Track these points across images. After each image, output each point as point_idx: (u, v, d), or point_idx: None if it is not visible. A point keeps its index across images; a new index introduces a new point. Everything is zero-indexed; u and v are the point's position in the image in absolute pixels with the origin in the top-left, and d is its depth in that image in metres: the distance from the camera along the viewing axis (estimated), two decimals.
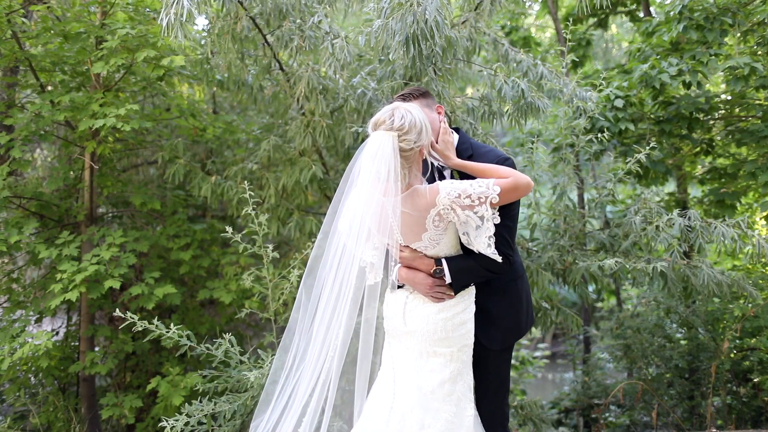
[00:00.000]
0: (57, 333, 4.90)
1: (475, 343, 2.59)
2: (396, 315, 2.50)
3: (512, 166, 2.50)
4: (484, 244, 2.34)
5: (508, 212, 2.50)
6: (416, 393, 2.41)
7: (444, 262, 2.45)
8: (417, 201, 2.33)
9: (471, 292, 2.51)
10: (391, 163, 2.27)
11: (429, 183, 2.49)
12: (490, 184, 2.29)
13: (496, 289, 2.63)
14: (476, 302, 2.60)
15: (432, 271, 2.47)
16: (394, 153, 2.27)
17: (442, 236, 2.39)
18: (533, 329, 4.62)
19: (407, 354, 2.47)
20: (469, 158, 2.57)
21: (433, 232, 2.37)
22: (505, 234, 2.49)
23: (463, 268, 2.47)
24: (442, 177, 2.66)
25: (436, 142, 2.59)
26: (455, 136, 2.67)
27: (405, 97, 2.62)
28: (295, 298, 2.72)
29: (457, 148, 2.61)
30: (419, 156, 2.38)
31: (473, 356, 2.62)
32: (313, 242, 2.91)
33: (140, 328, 3.17)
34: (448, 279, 2.47)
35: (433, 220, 2.33)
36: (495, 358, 2.67)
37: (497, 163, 2.48)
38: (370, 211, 2.36)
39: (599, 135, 4.29)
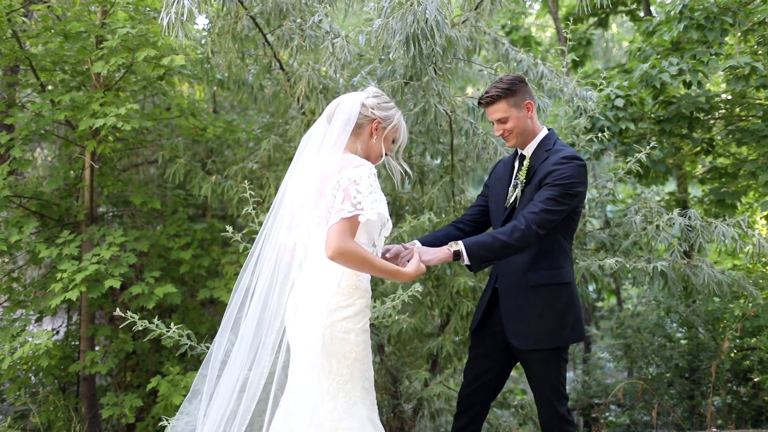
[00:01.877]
0: (57, 332, 4.90)
1: (508, 342, 2.66)
2: (289, 316, 2.30)
3: (579, 167, 2.52)
4: (319, 236, 2.20)
5: (563, 189, 2.47)
6: (303, 405, 2.22)
7: (461, 243, 2.44)
8: (338, 161, 2.20)
9: (358, 300, 2.24)
10: (349, 108, 2.27)
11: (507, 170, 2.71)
12: (373, 209, 2.11)
13: (534, 288, 2.59)
14: (510, 297, 2.61)
15: (451, 251, 2.45)
16: (359, 106, 2.29)
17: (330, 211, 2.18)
18: None
19: (297, 362, 2.27)
20: (548, 151, 2.61)
21: (329, 201, 2.17)
22: (540, 203, 2.47)
23: (481, 244, 2.44)
24: (521, 163, 2.71)
25: (519, 140, 2.66)
26: (542, 132, 2.69)
27: (492, 99, 2.61)
28: None
29: (540, 142, 2.67)
30: (368, 131, 2.32)
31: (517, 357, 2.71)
32: None
33: (140, 328, 3.17)
34: (465, 260, 2.43)
35: (333, 187, 2.16)
36: (531, 359, 2.64)
37: (558, 160, 2.53)
38: (305, 175, 2.27)
39: (599, 134, 4.29)
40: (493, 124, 2.68)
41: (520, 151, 2.74)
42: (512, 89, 2.59)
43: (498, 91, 2.60)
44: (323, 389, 2.19)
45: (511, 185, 2.68)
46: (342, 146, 2.27)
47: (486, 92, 2.63)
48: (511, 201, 2.66)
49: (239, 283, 2.42)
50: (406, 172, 2.53)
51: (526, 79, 3.84)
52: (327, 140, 2.27)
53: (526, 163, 2.65)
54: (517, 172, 2.70)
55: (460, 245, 2.45)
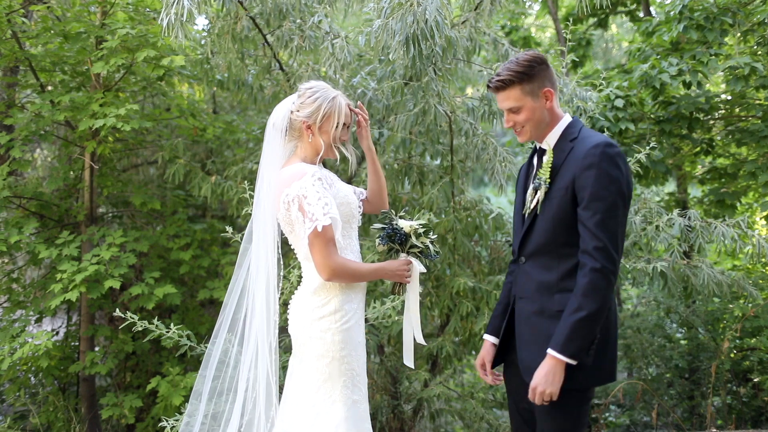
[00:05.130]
0: (57, 333, 4.90)
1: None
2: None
3: (611, 156, 2.01)
4: (302, 251, 2.32)
5: (608, 199, 1.98)
6: (293, 395, 2.34)
7: (550, 350, 2.01)
8: (285, 174, 2.30)
9: (333, 299, 2.27)
10: (279, 121, 2.35)
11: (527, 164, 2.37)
12: (326, 214, 2.17)
13: (558, 313, 2.07)
14: (528, 323, 2.16)
15: (555, 362, 2.01)
16: (286, 113, 2.35)
17: (293, 224, 2.29)
18: None
19: (293, 354, 2.41)
20: (572, 141, 2.13)
21: (284, 214, 2.29)
22: (591, 227, 1.98)
23: (566, 338, 1.99)
24: (540, 159, 2.27)
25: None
26: (564, 120, 2.20)
27: (503, 84, 2.14)
28: None
29: (563, 132, 2.18)
30: (304, 134, 2.34)
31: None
32: None
33: (140, 328, 3.17)
34: (572, 361, 2.00)
35: (283, 200, 2.27)
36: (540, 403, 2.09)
37: (593, 146, 2.04)
38: (266, 182, 2.39)
39: None
40: (504, 113, 2.22)
41: (538, 146, 2.27)
42: (529, 73, 2.11)
43: (511, 74, 2.11)
44: (307, 383, 2.29)
45: (530, 188, 2.19)
46: (281, 156, 2.38)
47: (497, 74, 2.15)
48: (531, 207, 2.16)
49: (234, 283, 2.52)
50: (350, 156, 2.48)
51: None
52: (276, 151, 2.39)
53: (547, 158, 2.15)
54: (537, 170, 2.22)
55: (552, 353, 2.02)
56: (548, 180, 2.13)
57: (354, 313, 2.31)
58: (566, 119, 2.21)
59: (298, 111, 2.34)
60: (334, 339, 2.26)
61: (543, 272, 2.13)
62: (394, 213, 2.48)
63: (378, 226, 2.45)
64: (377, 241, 2.46)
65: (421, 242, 2.39)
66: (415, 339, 2.50)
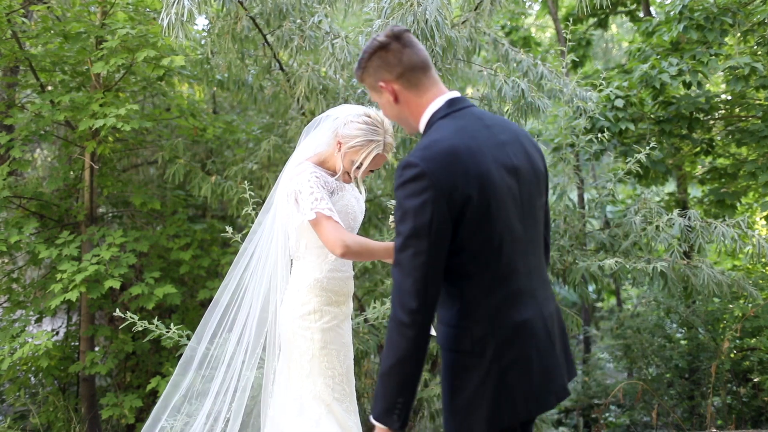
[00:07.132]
0: (57, 333, 4.90)
1: None
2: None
3: (410, 178, 1.55)
4: (293, 247, 2.42)
5: (401, 235, 1.57)
6: (280, 387, 2.47)
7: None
8: (294, 171, 2.40)
9: (314, 298, 2.35)
10: (341, 118, 2.37)
11: None
12: (313, 209, 2.22)
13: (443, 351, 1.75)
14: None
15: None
16: (348, 118, 2.37)
17: (290, 218, 2.38)
18: None
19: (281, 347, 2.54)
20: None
21: (286, 206, 2.39)
22: (395, 275, 1.60)
23: (376, 395, 1.65)
24: None
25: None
26: (430, 109, 1.70)
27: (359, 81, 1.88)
28: None
29: (423, 131, 1.74)
30: (334, 146, 2.38)
31: None
32: None
33: (140, 328, 3.17)
34: (379, 425, 1.64)
35: (288, 193, 2.36)
36: None
37: (398, 167, 1.61)
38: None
39: (599, 135, 4.29)
40: None
41: None
42: (363, 66, 1.76)
43: (356, 72, 1.80)
44: (292, 378, 2.40)
45: None
46: (317, 146, 2.44)
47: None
48: None
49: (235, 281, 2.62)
50: (363, 194, 2.55)
51: (526, 79, 3.86)
52: (318, 139, 2.47)
53: None
54: None
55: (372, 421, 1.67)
56: None
57: (335, 316, 2.40)
58: (430, 109, 1.71)
59: (344, 125, 2.35)
60: (314, 337, 2.35)
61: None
62: None
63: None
64: (390, 218, 2.49)
65: None
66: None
